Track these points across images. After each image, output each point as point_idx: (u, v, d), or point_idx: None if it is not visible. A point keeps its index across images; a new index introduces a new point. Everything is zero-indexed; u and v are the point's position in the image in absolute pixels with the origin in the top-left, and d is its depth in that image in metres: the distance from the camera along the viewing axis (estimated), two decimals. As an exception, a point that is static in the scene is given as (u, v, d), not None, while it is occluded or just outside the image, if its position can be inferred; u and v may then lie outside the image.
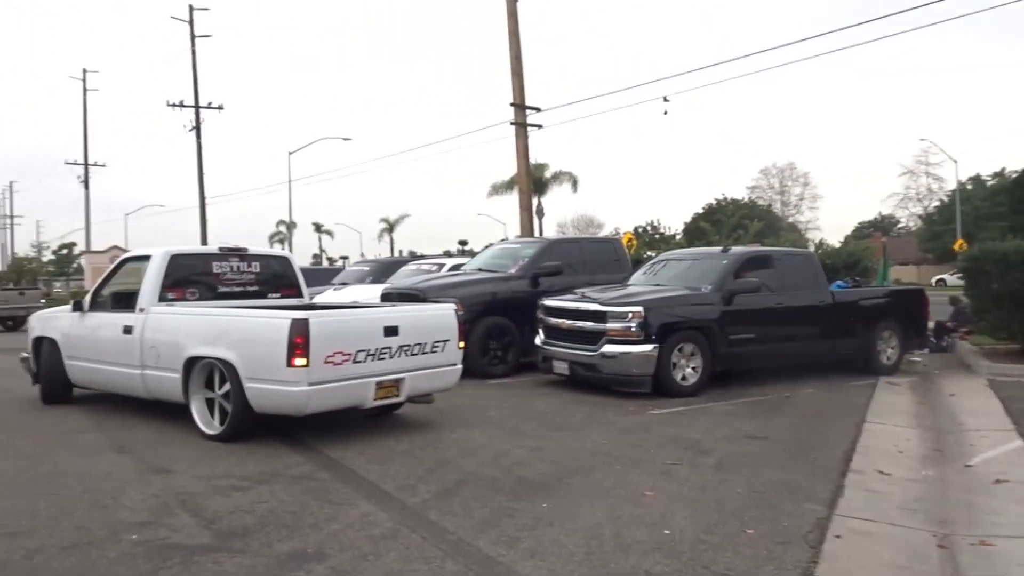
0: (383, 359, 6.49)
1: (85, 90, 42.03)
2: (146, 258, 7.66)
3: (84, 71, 41.83)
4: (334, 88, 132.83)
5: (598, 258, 11.78)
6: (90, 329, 7.86)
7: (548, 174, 49.65)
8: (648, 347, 8.44)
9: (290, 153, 41.60)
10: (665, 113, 22.72)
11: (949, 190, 61.53)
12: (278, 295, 8.22)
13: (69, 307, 8.36)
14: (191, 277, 7.65)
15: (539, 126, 25.77)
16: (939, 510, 4.89)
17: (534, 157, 26.14)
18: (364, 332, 6.44)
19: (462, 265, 12.76)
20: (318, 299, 13.29)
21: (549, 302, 9.60)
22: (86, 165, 42.52)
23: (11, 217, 76.90)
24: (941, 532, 4.48)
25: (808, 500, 4.99)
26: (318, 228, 77.85)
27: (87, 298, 8.04)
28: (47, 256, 79.77)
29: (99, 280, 8.10)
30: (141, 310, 7.24)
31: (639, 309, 8.45)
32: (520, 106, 24.98)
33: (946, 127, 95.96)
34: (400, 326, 6.65)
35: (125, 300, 7.61)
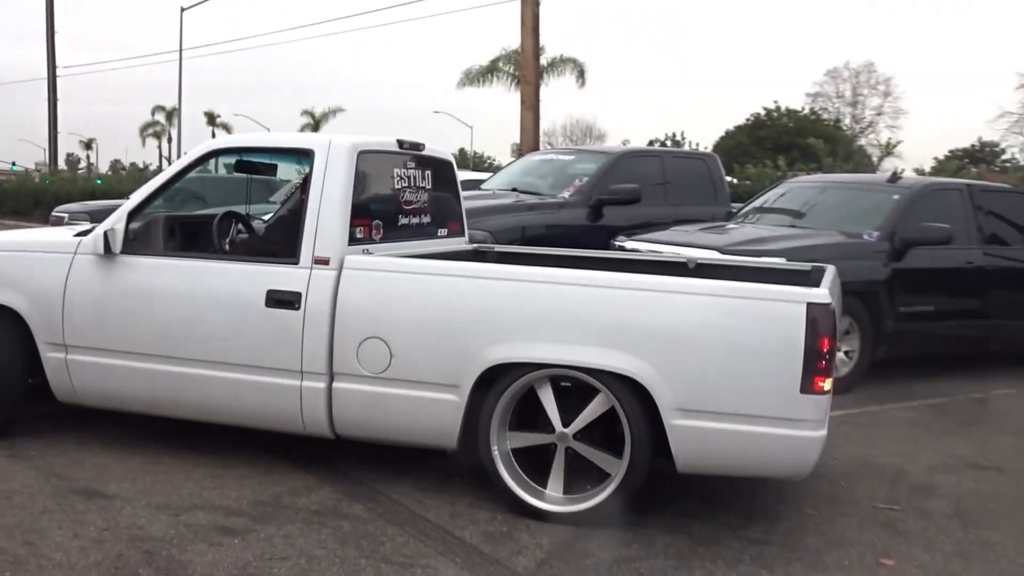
0: None
1: None
2: (298, 155, 5.74)
3: None
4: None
5: (687, 182, 11.02)
6: (140, 291, 5.27)
7: (544, 61, 48.06)
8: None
9: (183, 9, 39.91)
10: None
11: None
12: (445, 232, 6.39)
13: (55, 236, 6.08)
14: (375, 197, 5.68)
15: (552, -11, 24.83)
16: None
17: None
18: None
19: (478, 182, 11.91)
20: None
21: (632, 243, 8.84)
22: None
23: None
24: None
25: None
26: (212, 120, 76.03)
27: (117, 224, 5.27)
28: None
29: (145, 193, 5.48)
30: (322, 262, 4.96)
31: (780, 260, 7.69)
32: (527, -41, 23.87)
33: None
34: None
35: (258, 239, 5.84)
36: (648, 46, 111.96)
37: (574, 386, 4.68)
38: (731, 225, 9.38)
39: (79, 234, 5.52)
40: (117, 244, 5.14)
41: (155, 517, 4.44)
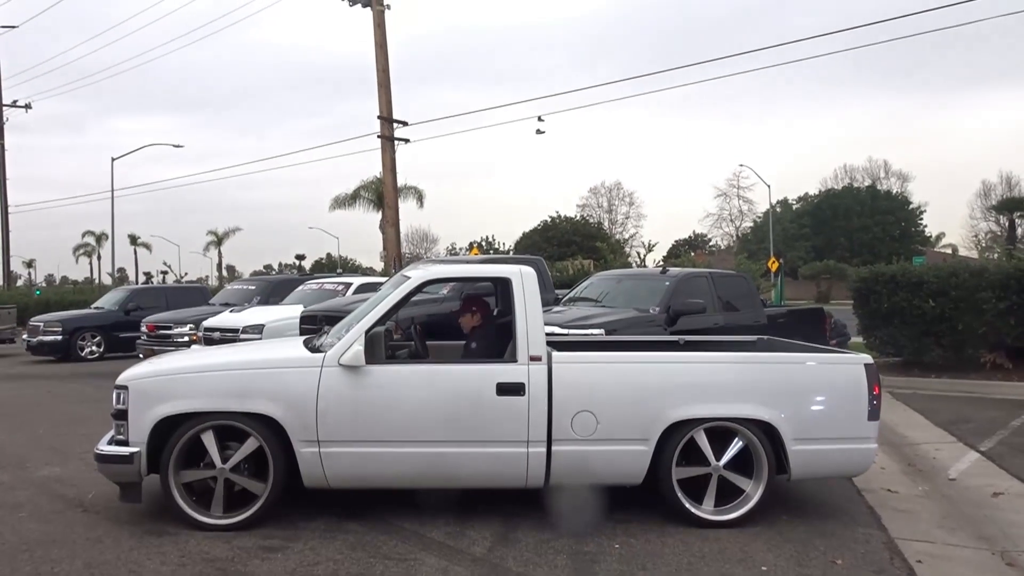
0: None
1: None
2: (495, 282, 5.87)
3: None
4: (161, 91, 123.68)
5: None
6: (388, 391, 4.90)
7: (393, 189, 49.05)
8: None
9: (113, 159, 38.14)
10: (539, 132, 23.17)
11: (759, 212, 67.31)
12: None
13: (289, 351, 5.32)
14: None
15: (406, 140, 25.41)
16: (971, 527, 5.17)
17: (374, 171, 25.69)
18: None
19: (376, 285, 12.16)
20: (212, 322, 12.29)
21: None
22: None
23: None
24: (996, 549, 4.74)
25: (857, 525, 5.14)
26: (134, 241, 72.20)
27: (359, 343, 4.87)
28: None
29: (376, 317, 5.10)
30: (535, 359, 4.95)
31: (600, 331, 8.40)
32: (388, 119, 24.46)
33: (757, 154, 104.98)
34: None
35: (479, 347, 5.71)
36: (465, 172, 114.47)
37: (716, 431, 5.02)
38: (561, 308, 9.96)
39: (313, 349, 5.17)
40: (362, 357, 4.86)
41: (214, 544, 4.58)
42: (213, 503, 4.86)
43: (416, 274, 5.46)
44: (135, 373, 5.10)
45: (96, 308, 17.74)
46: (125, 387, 4.93)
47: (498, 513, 5.20)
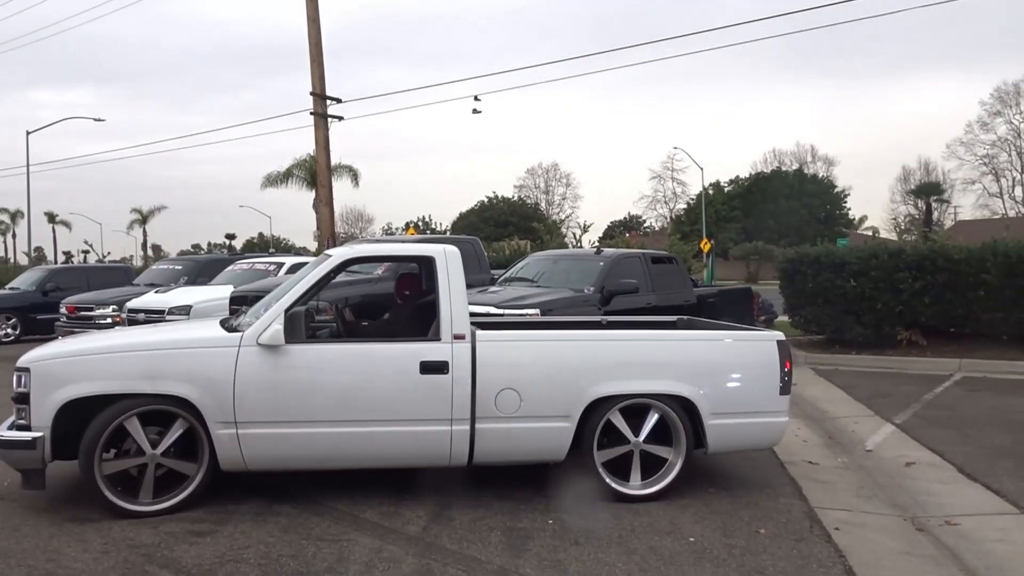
0: None
1: None
2: (420, 262, 5.97)
3: None
4: (82, 62, 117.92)
5: (462, 258, 11.53)
6: (310, 371, 4.80)
7: (328, 167, 48.19)
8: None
9: (29, 133, 36.44)
10: (475, 111, 23.09)
11: (692, 194, 68.54)
12: None
13: (206, 331, 5.15)
14: None
15: (340, 117, 24.92)
16: (885, 495, 5.44)
17: (308, 149, 25.23)
18: None
19: (303, 265, 11.97)
20: (136, 303, 11.91)
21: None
22: None
23: None
24: (907, 516, 5.00)
25: (780, 495, 5.33)
26: (52, 219, 69.22)
27: (278, 322, 4.76)
28: None
29: (296, 295, 4.93)
30: (459, 337, 4.97)
31: (536, 311, 8.45)
32: (321, 96, 23.95)
33: (691, 137, 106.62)
34: None
35: (399, 323, 5.81)
36: (402, 152, 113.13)
37: (629, 409, 5.10)
38: (496, 288, 9.99)
39: (230, 329, 5.02)
40: (282, 336, 4.74)
41: (139, 530, 4.47)
42: (142, 489, 4.71)
43: (338, 252, 5.41)
44: (38, 355, 4.85)
45: (11, 289, 16.97)
46: (27, 369, 4.68)
47: (432, 492, 5.22)
